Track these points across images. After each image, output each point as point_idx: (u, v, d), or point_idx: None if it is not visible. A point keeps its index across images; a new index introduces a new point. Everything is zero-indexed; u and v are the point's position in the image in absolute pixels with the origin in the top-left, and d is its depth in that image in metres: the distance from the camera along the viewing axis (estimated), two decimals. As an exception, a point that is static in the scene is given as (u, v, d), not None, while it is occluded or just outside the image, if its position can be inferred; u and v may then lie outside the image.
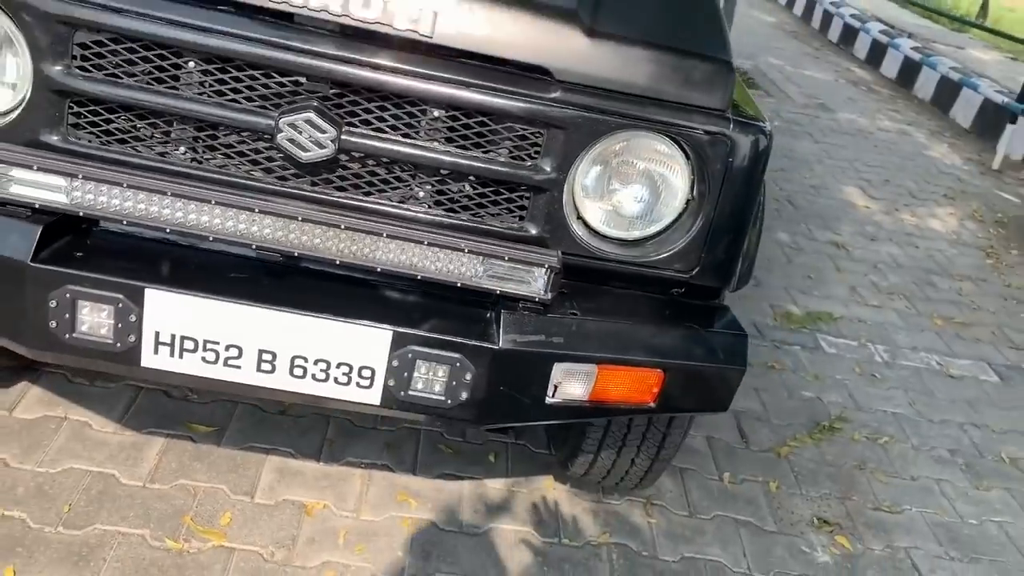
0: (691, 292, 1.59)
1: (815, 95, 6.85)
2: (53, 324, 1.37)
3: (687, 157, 1.47)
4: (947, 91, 7.13)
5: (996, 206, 5.14)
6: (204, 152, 1.42)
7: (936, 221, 4.69)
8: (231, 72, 1.38)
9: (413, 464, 2.13)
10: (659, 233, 1.52)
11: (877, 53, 8.41)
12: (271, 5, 1.34)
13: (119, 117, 1.41)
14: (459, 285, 1.43)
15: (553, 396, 1.48)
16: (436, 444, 2.21)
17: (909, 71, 7.76)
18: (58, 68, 1.36)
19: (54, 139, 1.39)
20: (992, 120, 6.33)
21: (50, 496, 1.82)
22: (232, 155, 1.42)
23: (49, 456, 1.92)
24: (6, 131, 1.39)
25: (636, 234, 1.52)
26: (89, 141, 1.40)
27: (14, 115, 1.39)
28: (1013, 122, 5.82)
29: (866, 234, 4.28)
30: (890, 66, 8.13)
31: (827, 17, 9.71)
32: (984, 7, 10.85)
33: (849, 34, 9.09)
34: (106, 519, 1.80)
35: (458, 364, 1.40)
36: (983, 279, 4.07)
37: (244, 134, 1.41)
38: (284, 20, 1.37)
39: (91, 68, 1.37)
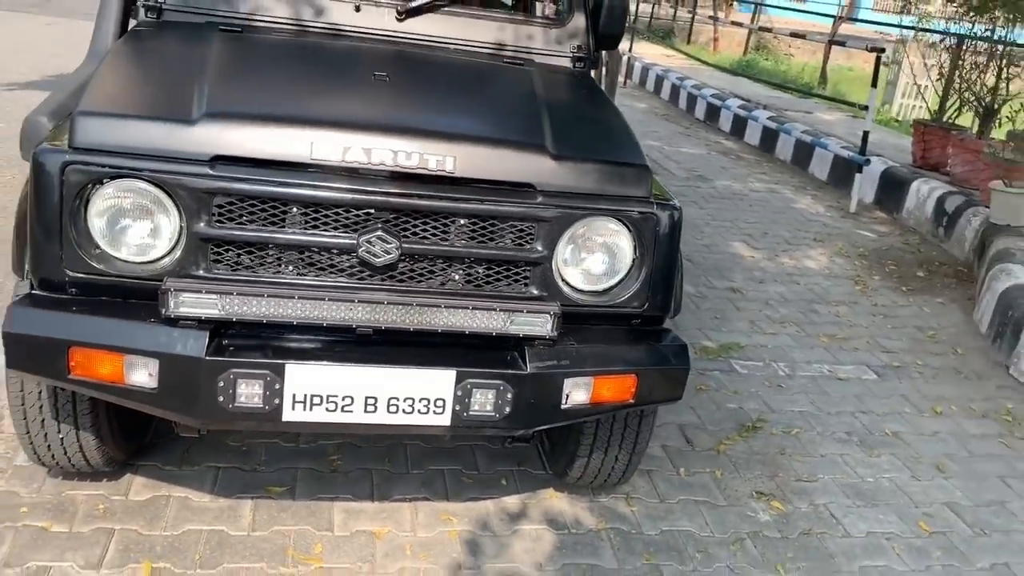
0: (644, 321, 2.29)
1: (693, 168, 7.84)
2: (220, 399, 1.95)
3: (629, 230, 2.19)
4: (803, 151, 8.26)
5: (857, 242, 6.11)
6: (309, 266, 2.06)
7: (810, 260, 5.60)
8: (322, 211, 2.03)
9: (445, 493, 2.73)
10: (618, 284, 2.22)
11: (739, 125, 9.59)
12: (344, 164, 2.02)
13: (247, 250, 2.03)
14: (495, 334, 2.08)
15: (566, 403, 2.13)
16: (460, 477, 2.81)
17: (769, 138, 8.92)
18: (202, 224, 1.98)
19: (200, 272, 2.00)
20: (843, 172, 7.43)
21: (181, 551, 2.34)
22: (327, 266, 2.06)
23: (169, 523, 2.44)
24: (165, 269, 1.99)
25: (603, 286, 2.22)
26: (226, 270, 2.02)
27: (169, 258, 2.00)
28: (860, 172, 6.89)
29: (755, 278, 5.12)
30: (752, 135, 9.29)
31: (691, 98, 10.94)
32: (823, 76, 12.40)
33: (713, 112, 10.29)
34: (229, 560, 2.33)
35: (501, 388, 2.05)
36: (854, 302, 4.95)
37: (335, 252, 2.05)
38: (354, 173, 2.04)
39: (225, 220, 2.00)
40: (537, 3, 3.52)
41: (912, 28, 7.98)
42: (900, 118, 10.66)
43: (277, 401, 1.98)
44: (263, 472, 2.71)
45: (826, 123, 9.32)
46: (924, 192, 6.52)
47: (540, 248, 2.13)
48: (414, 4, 2.92)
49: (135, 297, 2.00)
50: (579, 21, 3.11)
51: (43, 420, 2.26)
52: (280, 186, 1.99)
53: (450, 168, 2.06)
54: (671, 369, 2.23)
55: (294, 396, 1.99)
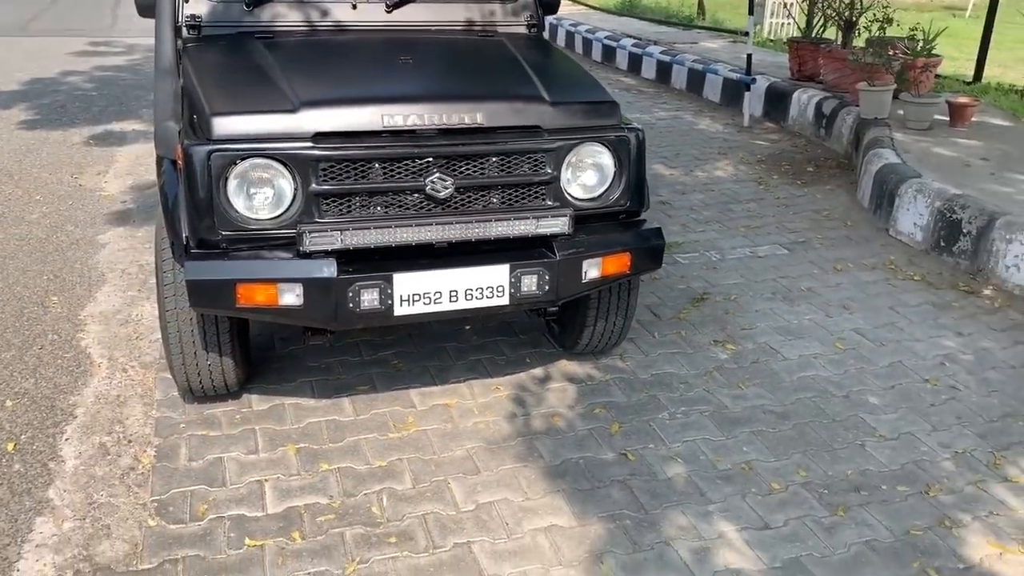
0: (627, 215, 3.14)
1: (604, 105, 8.72)
2: (351, 305, 2.73)
3: (609, 150, 3.03)
4: (696, 79, 9.24)
5: (754, 151, 7.12)
6: (392, 205, 2.83)
7: (719, 171, 6.58)
8: (396, 163, 2.80)
9: (488, 372, 3.56)
10: (606, 190, 3.07)
11: (635, 62, 10.52)
12: (406, 127, 2.79)
13: (347, 199, 2.79)
14: (530, 235, 2.91)
15: (585, 278, 2.98)
16: (495, 361, 3.65)
17: (664, 71, 9.87)
18: (312, 184, 2.73)
19: (316, 219, 2.76)
20: (733, 92, 8.43)
21: (311, 435, 3.12)
22: (406, 203, 2.84)
23: (292, 420, 3.20)
24: (289, 220, 2.74)
25: (596, 193, 3.05)
26: (335, 215, 2.78)
27: (290, 212, 2.74)
28: (748, 90, 7.89)
29: (678, 191, 6.07)
30: (648, 70, 10.23)
31: (587, 42, 11.80)
32: (701, 8, 13.43)
33: (609, 52, 11.18)
34: (349, 436, 3.12)
35: (541, 272, 2.88)
36: (761, 198, 5.95)
37: (409, 192, 2.83)
38: (413, 133, 2.81)
39: (328, 180, 2.75)
40: None
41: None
42: (773, 38, 11.77)
43: (389, 302, 2.77)
44: (346, 378, 3.49)
45: (711, 51, 10.33)
46: (804, 100, 7.58)
47: (549, 171, 2.95)
48: (395, -1, 3.67)
49: (270, 244, 2.75)
50: (527, -5, 3.91)
51: (195, 352, 2.99)
52: (364, 149, 2.76)
53: (480, 121, 2.86)
54: (653, 246, 3.11)
55: (400, 296, 2.78)
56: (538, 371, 3.61)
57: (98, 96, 8.60)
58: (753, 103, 8.04)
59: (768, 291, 4.45)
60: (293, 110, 2.74)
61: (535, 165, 2.95)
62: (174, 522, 2.65)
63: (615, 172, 3.06)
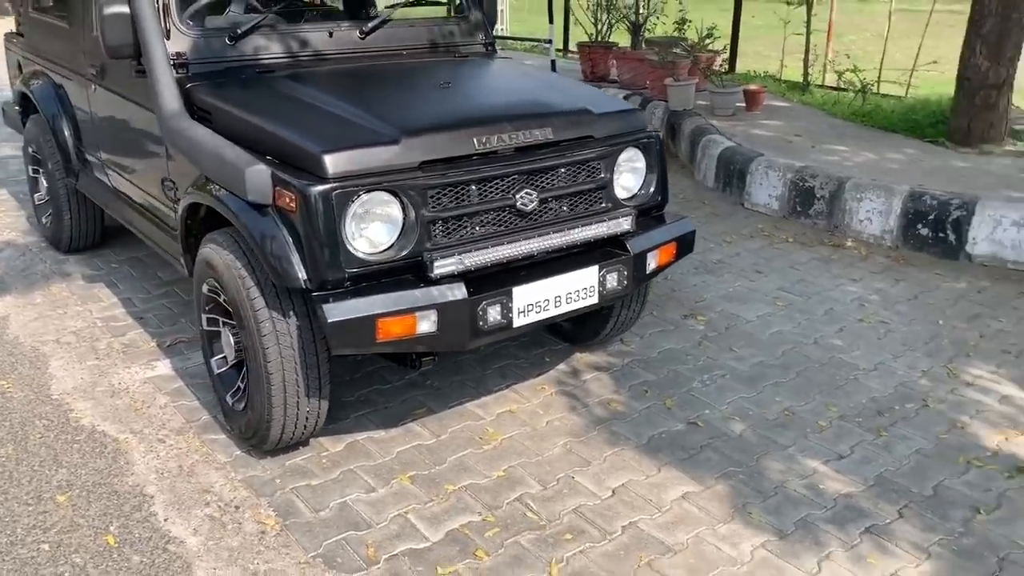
0: (657, 209, 3.48)
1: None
2: (480, 323, 2.80)
3: (643, 153, 3.35)
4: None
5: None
6: (486, 223, 2.93)
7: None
8: (489, 183, 2.91)
9: (520, 377, 3.73)
10: (641, 189, 3.39)
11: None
12: (494, 148, 2.91)
13: (450, 221, 2.85)
14: (605, 237, 3.14)
15: (649, 269, 3.28)
16: (517, 363, 3.82)
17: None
18: (424, 211, 2.77)
19: (427, 245, 2.79)
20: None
21: (407, 464, 3.12)
22: (496, 220, 2.95)
23: (381, 455, 3.17)
24: (404, 249, 2.75)
25: (634, 192, 3.36)
26: (441, 239, 2.82)
27: (405, 240, 2.75)
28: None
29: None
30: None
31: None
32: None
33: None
34: (449, 454, 3.16)
35: (621, 269, 3.13)
36: (620, 189, 6.52)
37: (501, 209, 2.94)
38: (498, 153, 2.93)
39: (435, 205, 2.80)
40: (445, 6, 4.36)
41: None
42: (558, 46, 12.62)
43: (510, 315, 2.87)
44: (395, 407, 3.48)
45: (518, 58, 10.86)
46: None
47: (603, 175, 3.21)
48: (369, 25, 3.71)
49: (391, 276, 2.75)
50: (477, 15, 4.11)
51: (297, 399, 2.87)
52: (466, 173, 2.84)
53: (550, 136, 3.05)
54: (689, 234, 3.47)
55: (518, 309, 2.89)
56: (563, 366, 3.84)
57: None
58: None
59: (692, 267, 4.99)
60: (396, 141, 2.76)
61: (591, 172, 3.19)
62: (353, 571, 2.57)
63: (647, 172, 3.38)
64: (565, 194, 3.11)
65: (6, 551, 2.63)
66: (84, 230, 4.86)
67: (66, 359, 3.82)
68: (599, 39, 8.98)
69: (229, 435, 3.23)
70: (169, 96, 3.12)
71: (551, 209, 3.08)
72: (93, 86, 4.07)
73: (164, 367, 3.76)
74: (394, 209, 2.74)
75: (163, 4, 3.28)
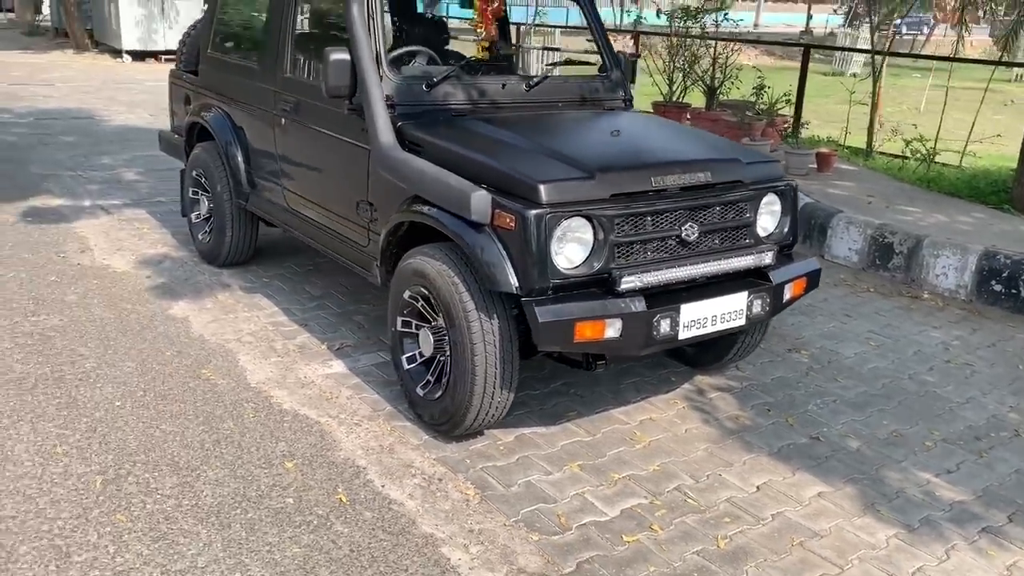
0: (788, 248, 3.99)
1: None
2: (654, 333, 3.30)
3: (780, 198, 3.87)
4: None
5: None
6: (655, 250, 3.44)
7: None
8: (661, 215, 3.43)
9: (652, 392, 4.21)
10: (776, 228, 3.90)
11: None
12: (665, 186, 3.44)
13: (628, 246, 3.36)
14: (753, 268, 3.65)
15: (785, 299, 3.77)
16: (644, 381, 4.30)
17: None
18: (612, 235, 3.29)
19: (611, 264, 3.31)
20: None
21: (569, 454, 3.59)
22: (663, 248, 3.46)
23: (549, 450, 3.65)
24: (592, 267, 3.26)
25: (771, 231, 3.87)
26: (621, 260, 3.34)
27: (594, 260, 3.27)
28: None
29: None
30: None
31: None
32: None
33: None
34: (609, 450, 3.63)
35: (764, 295, 3.63)
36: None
37: (668, 238, 3.46)
38: (665, 193, 3.46)
39: (619, 232, 3.32)
40: (594, 65, 4.94)
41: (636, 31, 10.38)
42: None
43: (677, 328, 3.37)
44: (547, 407, 3.97)
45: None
46: (684, 154, 8.91)
47: (748, 215, 3.73)
48: (535, 80, 4.29)
49: (579, 288, 3.26)
50: (618, 74, 4.69)
51: (494, 391, 3.37)
52: (644, 206, 3.37)
53: (710, 179, 3.58)
54: (816, 271, 3.97)
55: (683, 323, 3.40)
56: (688, 385, 4.32)
57: (-24, 170, 7.91)
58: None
59: (786, 311, 5.47)
60: (593, 177, 3.29)
61: (739, 211, 3.70)
62: (552, 534, 3.04)
63: (783, 215, 3.90)
64: (718, 229, 3.62)
65: (257, 502, 3.12)
66: (242, 247, 5.42)
67: (252, 355, 4.34)
68: (671, 99, 9.61)
69: (415, 423, 3.72)
70: (386, 130, 3.69)
71: (707, 241, 3.59)
72: (282, 119, 4.66)
73: (339, 366, 4.27)
74: (587, 233, 3.26)
75: (376, 53, 3.87)
